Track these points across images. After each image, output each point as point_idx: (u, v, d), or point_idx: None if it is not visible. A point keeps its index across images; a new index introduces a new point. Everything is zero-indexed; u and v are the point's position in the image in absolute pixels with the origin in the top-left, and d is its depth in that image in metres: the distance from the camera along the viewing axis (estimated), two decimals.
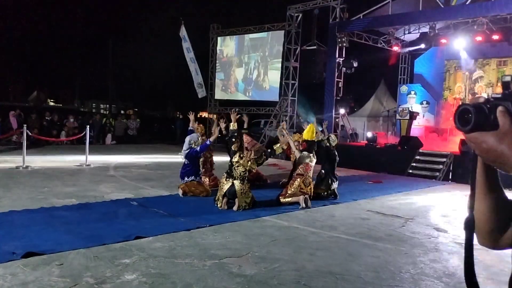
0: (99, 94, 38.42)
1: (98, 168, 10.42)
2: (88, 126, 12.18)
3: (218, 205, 6.53)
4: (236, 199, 6.48)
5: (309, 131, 7.46)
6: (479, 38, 13.25)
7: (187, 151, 7.57)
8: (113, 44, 30.02)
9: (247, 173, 6.69)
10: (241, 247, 4.68)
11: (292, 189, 6.99)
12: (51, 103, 39.29)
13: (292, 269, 4.08)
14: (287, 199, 6.97)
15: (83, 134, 11.83)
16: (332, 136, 8.09)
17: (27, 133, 10.45)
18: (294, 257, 4.43)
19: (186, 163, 7.61)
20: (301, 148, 7.44)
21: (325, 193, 7.67)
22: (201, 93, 19.18)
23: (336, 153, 7.83)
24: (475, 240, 0.95)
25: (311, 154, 7.24)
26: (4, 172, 9.05)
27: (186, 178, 7.49)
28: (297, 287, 3.67)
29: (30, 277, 3.56)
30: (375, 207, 7.37)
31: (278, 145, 7.72)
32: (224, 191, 6.53)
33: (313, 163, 7.24)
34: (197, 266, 4.03)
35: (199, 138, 7.74)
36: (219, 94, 19.62)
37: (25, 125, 10.79)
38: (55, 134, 16.77)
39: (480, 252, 1.10)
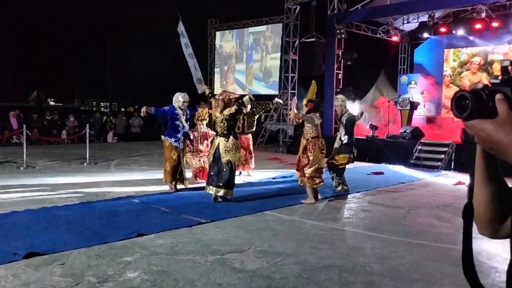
0: (99, 92, 38.35)
1: (99, 166, 10.41)
2: (88, 124, 12.17)
3: (208, 191, 6.56)
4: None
5: (313, 90, 7.08)
6: (478, 26, 13.16)
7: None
8: (111, 42, 29.95)
9: (231, 125, 6.59)
10: (243, 242, 4.67)
11: (314, 156, 6.57)
12: (51, 103, 39.29)
13: (294, 263, 4.07)
14: (313, 181, 6.57)
15: (83, 132, 11.81)
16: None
17: (27, 133, 10.44)
18: (297, 251, 4.42)
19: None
20: (308, 109, 6.79)
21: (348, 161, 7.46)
22: (200, 88, 19.12)
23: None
24: (475, 229, 0.93)
25: (318, 115, 6.89)
26: (5, 173, 9.06)
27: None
28: (300, 281, 3.66)
29: (32, 278, 3.56)
30: (377, 198, 7.35)
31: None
32: (212, 157, 6.57)
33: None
34: (199, 262, 4.02)
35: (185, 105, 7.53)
36: (218, 89, 19.57)
37: (24, 125, 10.78)
38: (56, 134, 16.77)
39: (483, 241, 1.08)
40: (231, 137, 6.58)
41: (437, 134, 13.10)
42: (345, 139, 7.45)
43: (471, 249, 0.89)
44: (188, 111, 7.60)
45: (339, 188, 7.55)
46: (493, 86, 0.80)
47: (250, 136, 9.39)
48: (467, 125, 0.81)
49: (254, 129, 9.47)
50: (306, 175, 6.60)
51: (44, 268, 3.76)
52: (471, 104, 0.78)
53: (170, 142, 7.31)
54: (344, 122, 7.51)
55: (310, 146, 6.64)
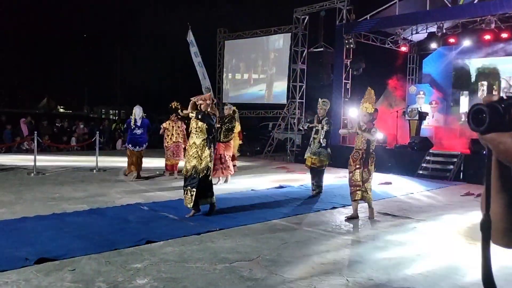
0: (108, 99, 38.70)
1: (108, 173, 10.48)
2: (98, 132, 12.27)
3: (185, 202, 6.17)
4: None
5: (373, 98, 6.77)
6: (487, 37, 13.15)
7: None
8: (120, 50, 30.28)
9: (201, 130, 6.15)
10: (251, 250, 4.69)
11: (372, 169, 6.52)
12: (61, 110, 39.66)
13: (303, 272, 4.07)
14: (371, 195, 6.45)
15: (93, 139, 11.92)
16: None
17: (38, 140, 10.56)
18: (305, 260, 4.42)
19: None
20: (373, 118, 6.57)
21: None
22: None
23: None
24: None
25: None
26: (16, 179, 9.16)
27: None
28: None
29: (43, 283, 3.60)
30: (385, 208, 7.32)
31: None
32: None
33: None
34: (208, 270, 4.04)
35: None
36: (227, 98, 19.67)
37: (35, 132, 10.90)
38: (66, 140, 16.93)
39: (497, 252, 1.07)
40: (198, 137, 6.16)
41: (446, 144, 13.04)
42: (323, 142, 7.77)
43: (490, 261, 0.89)
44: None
45: (317, 191, 7.96)
46: (508, 99, 0.82)
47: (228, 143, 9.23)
48: (484, 138, 0.82)
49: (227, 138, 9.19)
50: (368, 190, 6.44)
51: (55, 274, 3.80)
52: (488, 117, 0.79)
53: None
54: (325, 126, 7.79)
55: (372, 159, 6.58)
